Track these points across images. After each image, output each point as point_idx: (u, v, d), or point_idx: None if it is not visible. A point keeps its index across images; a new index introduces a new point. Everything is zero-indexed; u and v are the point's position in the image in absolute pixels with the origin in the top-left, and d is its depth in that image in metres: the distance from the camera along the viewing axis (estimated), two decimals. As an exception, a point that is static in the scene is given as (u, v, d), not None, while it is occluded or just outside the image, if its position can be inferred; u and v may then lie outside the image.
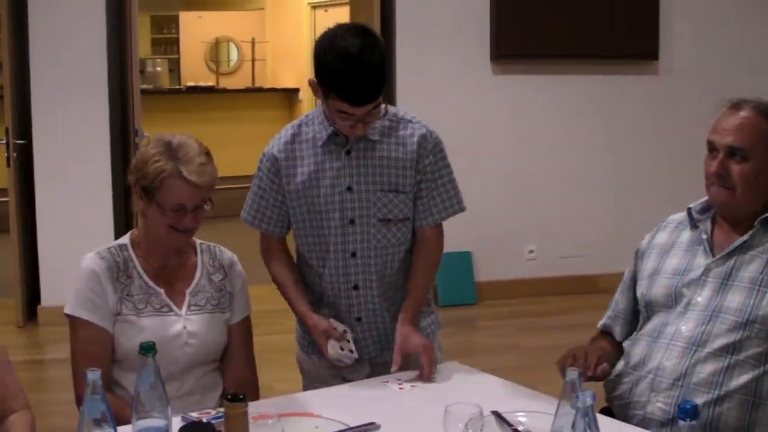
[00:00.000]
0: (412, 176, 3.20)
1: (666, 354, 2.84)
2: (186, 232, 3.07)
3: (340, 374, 3.29)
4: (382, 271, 3.26)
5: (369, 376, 3.29)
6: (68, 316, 3.07)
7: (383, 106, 3.10)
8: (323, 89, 3.01)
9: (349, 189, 3.17)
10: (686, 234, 3.03)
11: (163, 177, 2.96)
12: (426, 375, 3.07)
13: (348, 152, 3.17)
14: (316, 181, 3.20)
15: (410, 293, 3.27)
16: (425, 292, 3.33)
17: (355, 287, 3.25)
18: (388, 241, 3.23)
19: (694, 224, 3.01)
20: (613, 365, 3.02)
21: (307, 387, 3.41)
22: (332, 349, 3.19)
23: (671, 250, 3.03)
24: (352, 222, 3.19)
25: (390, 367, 3.14)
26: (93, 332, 3.03)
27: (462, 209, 3.32)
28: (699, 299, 2.86)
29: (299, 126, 3.27)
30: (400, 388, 3.03)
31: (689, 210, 3.03)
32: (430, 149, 3.22)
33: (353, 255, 3.22)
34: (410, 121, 3.24)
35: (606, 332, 3.23)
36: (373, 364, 3.34)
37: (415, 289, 3.28)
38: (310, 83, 3.07)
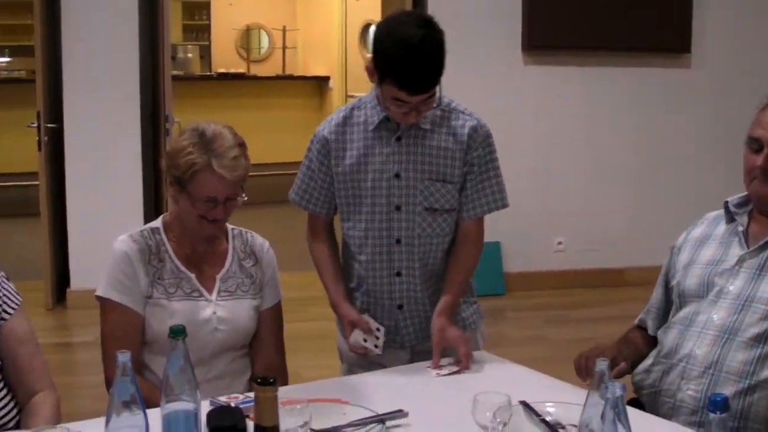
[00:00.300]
0: (461, 167, 3.20)
1: (698, 342, 2.83)
2: (216, 222, 3.06)
3: (379, 361, 3.28)
4: (426, 259, 3.25)
5: (409, 363, 3.29)
6: (99, 298, 3.08)
7: (437, 95, 3.09)
8: (380, 75, 3.01)
9: (397, 176, 3.17)
10: (722, 227, 3.02)
11: (195, 170, 2.94)
12: (463, 366, 3.06)
13: (398, 139, 3.17)
14: (365, 165, 3.20)
15: (448, 286, 3.26)
16: (464, 285, 3.31)
17: (398, 274, 3.25)
18: (432, 230, 3.23)
19: (730, 217, 2.99)
20: (640, 361, 3.02)
21: (346, 374, 3.40)
22: (354, 336, 3.19)
23: (706, 242, 3.02)
24: (398, 208, 3.19)
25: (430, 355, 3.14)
26: (124, 315, 3.03)
27: (505, 205, 3.32)
28: (731, 288, 2.84)
29: (351, 109, 3.27)
30: (438, 374, 3.04)
31: (726, 204, 3.02)
32: (480, 142, 3.21)
33: (398, 241, 3.22)
34: (462, 112, 3.23)
35: (641, 327, 3.23)
36: (413, 351, 3.33)
37: (453, 282, 3.26)
38: (367, 67, 3.07)
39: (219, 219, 3.05)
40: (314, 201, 3.33)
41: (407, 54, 2.91)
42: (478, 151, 3.21)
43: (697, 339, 2.84)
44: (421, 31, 2.93)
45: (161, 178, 6.90)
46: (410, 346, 3.34)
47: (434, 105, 3.10)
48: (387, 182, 3.18)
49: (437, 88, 3.03)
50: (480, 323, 3.47)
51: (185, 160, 2.95)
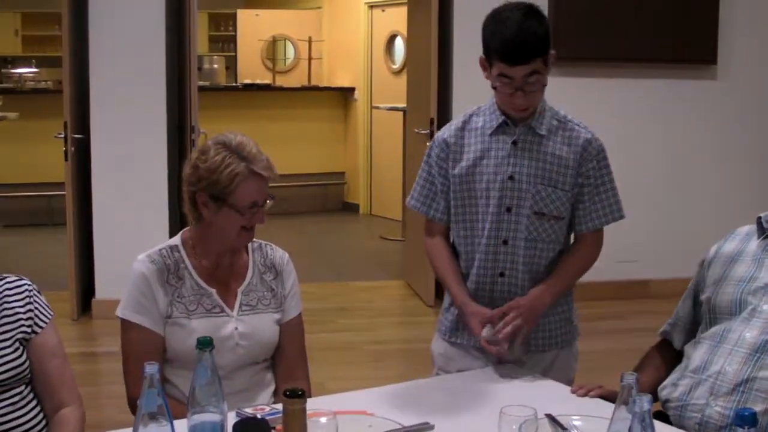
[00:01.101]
0: (573, 177, 3.25)
1: (729, 359, 2.81)
2: (253, 230, 3.09)
3: (473, 366, 3.30)
4: (530, 263, 3.27)
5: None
6: (119, 318, 3.09)
7: (543, 76, 3.12)
8: (486, 58, 3.12)
9: (511, 178, 3.22)
10: (754, 243, 3.00)
11: (239, 180, 2.97)
12: (499, 331, 3.11)
13: (515, 143, 3.23)
14: (480, 167, 3.26)
15: (552, 276, 3.30)
16: (564, 280, 3.35)
17: (501, 274, 3.28)
18: (539, 235, 3.26)
19: (762, 233, 2.98)
20: (658, 384, 3.03)
21: (434, 374, 3.45)
22: (487, 331, 3.15)
23: (738, 259, 3.00)
24: (508, 210, 3.23)
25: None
26: (143, 335, 3.05)
27: (622, 216, 3.36)
28: (765, 307, 2.82)
29: (470, 116, 3.35)
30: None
31: (759, 219, 3.00)
32: (594, 154, 3.28)
33: (504, 242, 3.26)
34: (577, 125, 3.30)
35: (666, 340, 3.22)
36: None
37: (557, 274, 3.31)
38: (480, 61, 3.17)
39: (255, 225, 3.07)
40: (435, 206, 3.38)
41: (507, 26, 3.04)
42: (593, 164, 3.27)
43: (728, 356, 2.82)
44: (522, 11, 3.07)
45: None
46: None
47: (541, 86, 3.14)
48: (501, 183, 3.22)
49: (543, 66, 3.09)
50: (575, 342, 3.53)
51: (227, 173, 2.97)
